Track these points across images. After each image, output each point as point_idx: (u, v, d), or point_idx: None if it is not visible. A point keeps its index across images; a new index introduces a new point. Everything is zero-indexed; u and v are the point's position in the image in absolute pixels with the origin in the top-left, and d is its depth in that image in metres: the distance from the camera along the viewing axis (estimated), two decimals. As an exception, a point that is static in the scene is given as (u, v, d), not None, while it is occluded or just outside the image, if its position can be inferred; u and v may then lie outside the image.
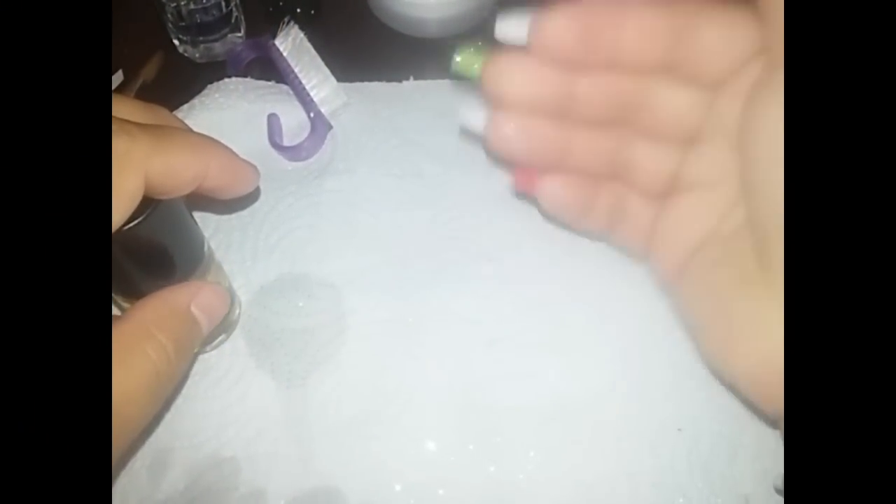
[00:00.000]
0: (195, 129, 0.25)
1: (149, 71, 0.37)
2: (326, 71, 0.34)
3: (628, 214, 0.28)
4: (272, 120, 0.34)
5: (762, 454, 0.27)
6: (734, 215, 0.24)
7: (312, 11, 0.40)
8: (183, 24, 0.36)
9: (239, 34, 0.38)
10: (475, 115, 0.26)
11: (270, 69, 0.35)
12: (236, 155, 0.25)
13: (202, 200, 0.25)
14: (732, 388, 0.28)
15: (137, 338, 0.21)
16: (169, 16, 0.36)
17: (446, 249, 0.31)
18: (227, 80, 0.35)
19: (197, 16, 0.36)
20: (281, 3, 0.39)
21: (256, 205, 0.33)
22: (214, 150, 0.23)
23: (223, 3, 0.36)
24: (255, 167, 0.26)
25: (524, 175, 0.28)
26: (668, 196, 0.26)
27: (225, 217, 0.32)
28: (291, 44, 0.34)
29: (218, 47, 0.37)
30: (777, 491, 0.27)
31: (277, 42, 0.34)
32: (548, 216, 0.31)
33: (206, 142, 0.23)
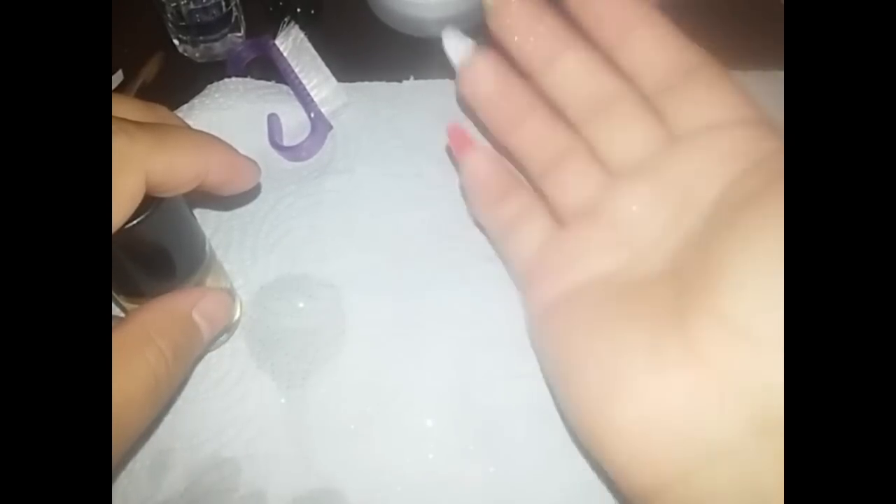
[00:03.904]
0: (195, 128, 0.25)
1: (149, 71, 0.37)
2: (327, 71, 0.34)
3: (523, 231, 0.26)
4: (272, 120, 0.34)
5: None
6: (639, 266, 0.23)
7: (313, 11, 0.40)
8: (183, 23, 0.36)
9: (239, 34, 0.38)
10: (460, 46, 0.27)
11: (270, 69, 0.35)
12: (236, 151, 0.25)
13: (202, 197, 0.25)
14: (595, 448, 0.23)
15: (137, 342, 0.21)
16: (169, 16, 0.36)
17: (446, 249, 0.31)
18: (227, 80, 0.35)
19: (197, 16, 0.36)
20: (281, 3, 0.39)
21: (256, 204, 0.33)
22: (215, 147, 0.23)
23: (223, 3, 0.36)
24: (255, 163, 0.26)
25: (460, 135, 0.28)
26: (569, 224, 0.25)
27: (225, 217, 0.32)
28: (292, 44, 0.34)
29: (218, 47, 0.37)
30: None
31: (278, 42, 0.34)
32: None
33: (207, 139, 0.23)
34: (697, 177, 0.23)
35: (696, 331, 0.20)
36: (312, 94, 0.34)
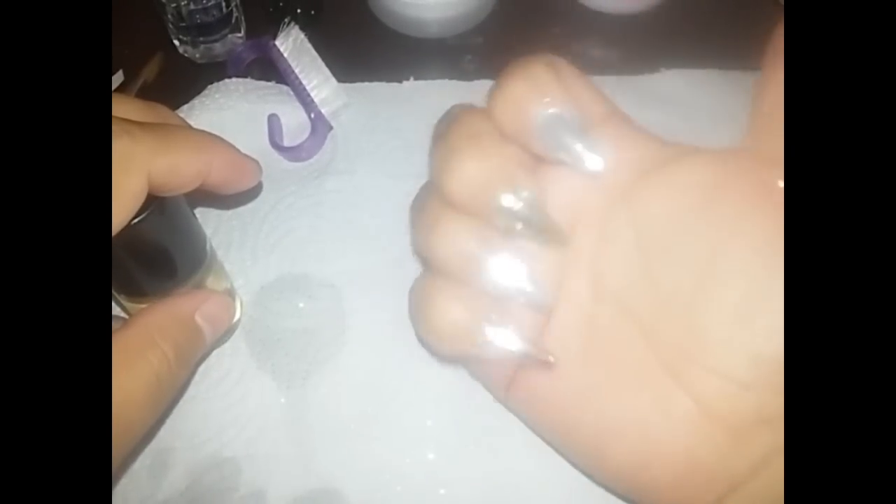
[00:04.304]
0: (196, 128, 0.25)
1: (149, 71, 0.37)
2: (327, 71, 0.34)
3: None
4: (272, 120, 0.34)
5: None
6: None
7: (313, 12, 0.40)
8: (183, 24, 0.36)
9: (239, 35, 0.38)
10: None
11: (271, 70, 0.35)
12: (238, 151, 0.25)
13: (204, 197, 0.26)
14: (630, 498, 0.24)
15: (140, 344, 0.22)
16: (169, 16, 0.36)
17: (446, 250, 0.31)
18: (227, 80, 0.35)
19: (197, 16, 0.36)
20: (281, 4, 0.39)
21: (256, 205, 0.33)
22: (217, 147, 0.24)
23: (223, 4, 0.36)
24: (257, 162, 0.26)
25: None
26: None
27: (225, 217, 0.32)
28: (292, 44, 0.34)
29: (218, 48, 0.37)
30: None
31: (278, 42, 0.34)
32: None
33: (209, 138, 0.23)
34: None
35: (699, 387, 0.20)
36: (313, 94, 0.34)
